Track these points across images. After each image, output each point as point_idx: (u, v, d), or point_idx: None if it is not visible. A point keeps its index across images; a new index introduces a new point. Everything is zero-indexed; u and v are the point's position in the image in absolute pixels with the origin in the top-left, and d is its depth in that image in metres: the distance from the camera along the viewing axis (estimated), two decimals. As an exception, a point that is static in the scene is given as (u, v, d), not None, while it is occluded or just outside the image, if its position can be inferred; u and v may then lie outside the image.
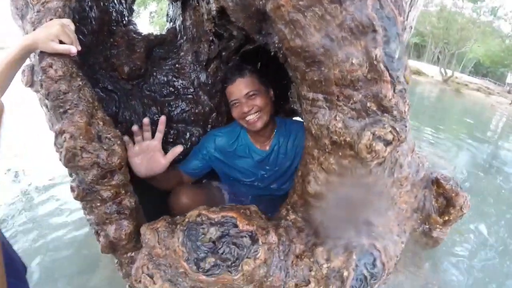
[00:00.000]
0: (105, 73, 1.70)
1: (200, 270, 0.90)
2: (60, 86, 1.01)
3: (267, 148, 1.68)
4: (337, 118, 0.86)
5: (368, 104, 0.82)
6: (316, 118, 0.91)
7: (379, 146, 0.83)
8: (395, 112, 0.83)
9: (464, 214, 1.76)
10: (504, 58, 23.82)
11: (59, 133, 1.00)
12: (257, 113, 1.50)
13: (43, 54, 0.99)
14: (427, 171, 1.79)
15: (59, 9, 1.06)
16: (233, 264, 0.90)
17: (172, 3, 2.21)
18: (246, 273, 0.91)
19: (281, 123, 1.71)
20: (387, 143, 0.83)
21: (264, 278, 0.96)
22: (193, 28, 1.83)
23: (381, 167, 0.95)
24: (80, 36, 1.59)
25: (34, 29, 1.03)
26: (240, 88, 1.49)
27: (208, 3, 1.66)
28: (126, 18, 2.02)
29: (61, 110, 1.00)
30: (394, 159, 1.26)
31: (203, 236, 0.93)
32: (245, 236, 0.94)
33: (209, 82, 1.88)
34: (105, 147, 1.02)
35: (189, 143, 1.87)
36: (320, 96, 0.88)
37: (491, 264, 2.20)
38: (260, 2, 1.08)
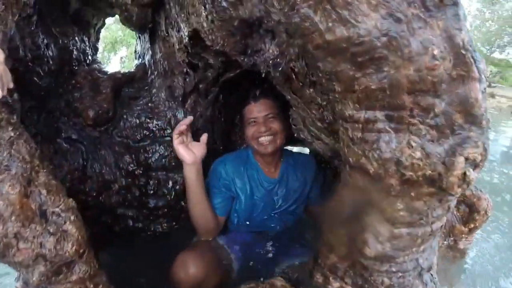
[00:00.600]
0: (67, 120, 1.50)
1: None
2: None
3: (276, 176, 1.63)
4: (413, 144, 0.60)
5: (454, 117, 0.58)
6: (377, 150, 0.63)
7: (471, 173, 0.59)
8: (484, 122, 0.59)
9: (488, 217, 1.62)
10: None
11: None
12: (272, 136, 1.49)
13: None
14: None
15: None
16: None
17: (139, 38, 2.06)
18: None
19: (288, 153, 1.72)
20: (476, 165, 0.61)
21: None
22: (164, 61, 1.65)
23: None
24: (35, 78, 1.38)
25: None
26: (262, 108, 1.50)
27: (178, 31, 1.50)
28: (89, 57, 1.84)
29: None
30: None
31: None
32: None
33: (188, 120, 1.68)
34: (51, 230, 0.72)
35: (173, 193, 1.64)
36: (380, 115, 0.61)
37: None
38: (246, 11, 0.91)
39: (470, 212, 1.61)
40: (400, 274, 0.76)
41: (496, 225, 2.41)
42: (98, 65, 1.84)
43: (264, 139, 1.48)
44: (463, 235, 1.66)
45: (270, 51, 1.00)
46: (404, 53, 0.54)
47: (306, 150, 2.05)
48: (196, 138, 1.53)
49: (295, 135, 1.18)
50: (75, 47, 1.70)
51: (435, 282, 0.90)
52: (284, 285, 0.84)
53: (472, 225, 1.61)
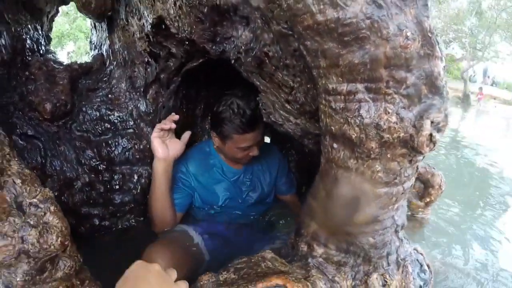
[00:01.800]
0: (22, 115, 1.40)
1: None
2: None
3: (241, 167, 1.65)
4: (389, 110, 0.69)
5: (421, 87, 0.69)
6: (359, 116, 0.72)
7: (437, 135, 0.70)
8: (444, 93, 0.71)
9: (442, 191, 1.77)
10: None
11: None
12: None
13: None
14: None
15: None
16: None
17: (94, 28, 1.95)
18: None
19: None
20: (439, 129, 0.71)
21: None
22: (124, 51, 1.59)
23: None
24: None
25: None
26: (256, 136, 1.47)
27: (140, 19, 1.45)
28: (43, 47, 1.73)
29: None
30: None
31: None
32: None
33: (150, 111, 1.62)
34: (31, 222, 0.66)
35: (139, 187, 1.59)
36: (361, 86, 0.70)
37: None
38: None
39: (426, 188, 1.74)
40: (381, 231, 0.83)
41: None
42: (53, 55, 1.73)
43: (247, 158, 1.53)
44: (420, 209, 1.80)
45: (243, 37, 1.00)
46: (383, 33, 0.64)
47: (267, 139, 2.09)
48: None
49: (265, 119, 1.19)
50: (28, 36, 1.59)
51: (407, 239, 0.98)
52: (274, 257, 0.86)
53: (428, 199, 1.75)
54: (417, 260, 0.95)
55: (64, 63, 1.64)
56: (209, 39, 1.15)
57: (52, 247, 0.69)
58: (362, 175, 0.78)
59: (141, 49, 1.51)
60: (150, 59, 1.54)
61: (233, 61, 1.10)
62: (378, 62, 0.66)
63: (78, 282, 0.76)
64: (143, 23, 1.43)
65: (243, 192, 1.65)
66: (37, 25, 1.71)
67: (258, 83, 1.05)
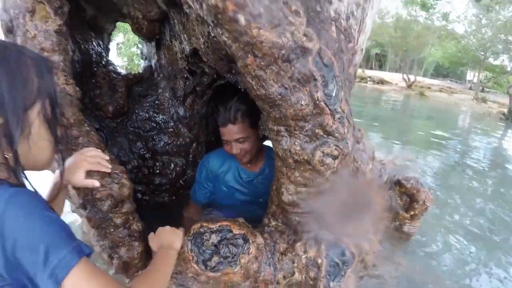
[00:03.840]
0: (91, 113, 1.83)
1: (207, 268, 1.11)
2: (72, 131, 1.17)
3: (257, 170, 1.78)
4: (296, 143, 1.08)
5: (316, 131, 1.05)
6: (281, 144, 1.11)
7: (328, 160, 1.06)
8: (336, 135, 1.07)
9: (427, 207, 1.97)
10: (461, 57, 25.19)
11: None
12: (243, 154, 1.60)
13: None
14: (390, 174, 2.03)
15: (61, 63, 1.22)
16: (232, 260, 1.12)
17: (144, 41, 2.39)
18: (243, 265, 1.12)
19: (269, 150, 1.78)
20: (335, 157, 1.07)
21: (257, 273, 1.15)
22: (169, 66, 2.00)
23: (337, 175, 1.15)
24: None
25: None
26: (231, 133, 1.54)
27: (180, 43, 1.84)
28: (104, 59, 2.17)
29: (73, 150, 1.13)
30: (355, 168, 1.47)
31: (206, 242, 1.14)
32: (239, 238, 1.15)
33: (187, 116, 2.04)
34: (116, 181, 1.15)
35: (174, 173, 2.03)
36: (282, 128, 1.09)
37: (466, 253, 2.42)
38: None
39: (411, 202, 1.97)
40: (305, 214, 1.20)
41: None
42: (113, 67, 2.16)
43: (238, 156, 1.62)
44: (406, 220, 2.04)
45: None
46: (288, 102, 1.01)
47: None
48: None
49: (264, 133, 1.52)
50: (94, 51, 2.01)
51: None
52: (244, 222, 1.25)
53: (412, 212, 1.98)
54: (339, 245, 1.27)
55: (122, 73, 2.07)
56: (227, 71, 1.51)
57: (124, 195, 1.17)
58: (289, 178, 1.18)
59: (181, 66, 1.91)
60: (188, 75, 1.94)
61: (242, 90, 1.46)
62: (288, 117, 1.04)
63: (131, 217, 1.24)
64: (183, 47, 1.81)
65: (256, 192, 1.79)
66: (99, 40, 2.15)
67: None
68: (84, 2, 1.92)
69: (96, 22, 2.09)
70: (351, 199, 1.20)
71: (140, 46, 2.48)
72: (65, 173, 1.01)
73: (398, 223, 2.06)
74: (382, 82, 24.22)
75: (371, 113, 9.74)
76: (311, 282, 1.18)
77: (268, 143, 1.56)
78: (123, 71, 2.17)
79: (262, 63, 0.88)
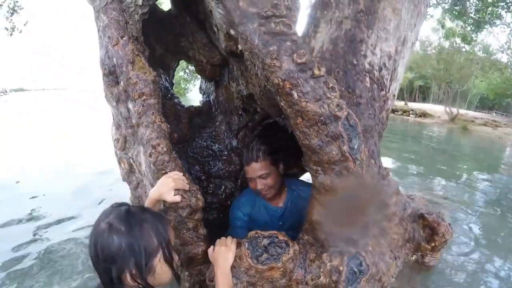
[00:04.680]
0: None
1: (258, 262, 1.42)
2: (164, 157, 1.54)
3: (281, 205, 1.97)
4: (327, 179, 1.39)
5: (343, 171, 1.36)
6: (318, 179, 1.43)
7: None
8: (356, 174, 1.38)
9: (447, 240, 2.16)
10: (506, 89, 24.16)
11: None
12: (267, 189, 1.80)
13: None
14: (414, 208, 2.26)
15: (156, 105, 1.63)
16: (277, 257, 1.43)
17: (205, 81, 2.83)
18: (283, 262, 1.42)
19: (290, 183, 2.01)
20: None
21: (292, 273, 1.44)
22: (226, 103, 2.39)
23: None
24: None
25: (138, 115, 1.60)
26: (254, 170, 1.76)
27: (237, 85, 2.18)
28: (170, 92, 2.54)
29: (163, 171, 1.53)
30: (380, 200, 1.76)
31: (259, 243, 1.46)
32: (283, 242, 1.46)
33: (239, 146, 2.41)
34: (193, 196, 1.51)
35: (224, 194, 2.39)
36: (319, 168, 1.41)
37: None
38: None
39: (432, 234, 2.17)
40: (328, 232, 1.53)
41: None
42: (177, 100, 2.52)
43: (262, 192, 1.79)
44: (428, 252, 2.23)
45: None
46: (324, 151, 1.36)
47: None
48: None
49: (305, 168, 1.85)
50: (162, 86, 2.39)
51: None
52: (284, 235, 1.53)
53: (433, 244, 2.17)
54: (358, 258, 1.53)
55: (185, 106, 2.45)
56: (277, 115, 1.86)
57: (198, 206, 1.52)
58: (319, 202, 1.50)
59: (237, 104, 2.28)
60: (242, 112, 2.32)
61: (289, 132, 1.80)
62: (323, 161, 1.37)
63: (199, 224, 1.58)
64: (240, 89, 2.15)
65: (282, 225, 1.97)
66: (166, 76, 2.54)
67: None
68: (155, 43, 2.32)
69: (164, 60, 2.47)
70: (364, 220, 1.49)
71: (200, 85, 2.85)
72: (159, 190, 1.37)
73: (420, 254, 2.27)
74: (424, 115, 23.73)
75: (412, 149, 9.74)
76: (333, 285, 1.47)
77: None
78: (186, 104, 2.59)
79: (307, 124, 1.24)
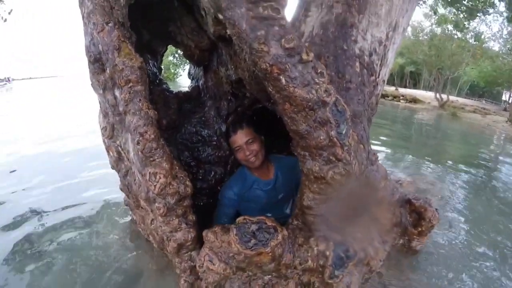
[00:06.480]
0: None
1: (247, 247, 1.44)
2: (152, 144, 1.54)
3: (271, 177, 2.04)
4: (315, 165, 1.39)
5: (330, 157, 1.36)
6: (306, 164, 1.43)
7: (338, 177, 1.38)
8: (344, 161, 1.38)
9: (433, 225, 2.21)
10: (496, 77, 24.36)
11: (152, 174, 1.50)
12: (255, 155, 1.90)
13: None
14: (401, 193, 2.29)
15: (143, 92, 1.59)
16: (265, 243, 1.46)
17: (194, 66, 2.78)
18: (272, 247, 1.44)
19: (276, 159, 2.13)
20: (342, 175, 1.39)
21: (281, 258, 1.46)
22: (215, 88, 2.36)
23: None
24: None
25: (125, 102, 1.55)
26: (241, 137, 1.88)
27: (226, 70, 2.16)
28: (158, 78, 2.50)
29: (151, 159, 1.51)
30: (370, 188, 1.78)
31: (248, 229, 1.48)
32: (271, 228, 1.48)
33: (228, 132, 2.40)
34: (182, 182, 1.52)
35: (213, 179, 2.39)
36: (307, 153, 1.41)
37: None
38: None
39: (419, 219, 2.22)
40: (317, 216, 1.55)
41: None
42: (166, 86, 2.48)
43: (250, 158, 1.89)
44: (414, 236, 2.27)
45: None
46: (311, 137, 1.35)
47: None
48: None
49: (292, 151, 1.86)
50: (150, 72, 2.34)
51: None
52: (273, 220, 1.56)
53: (419, 229, 2.21)
54: (344, 244, 1.57)
55: (174, 92, 2.41)
56: (266, 100, 1.84)
57: (187, 193, 1.54)
58: (309, 188, 1.50)
59: (226, 89, 2.26)
60: (231, 97, 2.31)
61: (278, 116, 1.79)
62: (311, 146, 1.38)
63: (189, 211, 1.60)
64: (229, 74, 2.13)
65: (277, 195, 2.04)
66: (154, 61, 2.48)
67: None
68: (142, 28, 2.25)
69: (151, 45, 2.41)
70: (353, 207, 1.51)
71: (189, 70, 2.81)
72: None
73: (407, 238, 2.31)
74: (415, 100, 23.94)
75: (402, 134, 9.84)
76: (320, 269, 1.50)
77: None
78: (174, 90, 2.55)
79: (295, 109, 1.23)
